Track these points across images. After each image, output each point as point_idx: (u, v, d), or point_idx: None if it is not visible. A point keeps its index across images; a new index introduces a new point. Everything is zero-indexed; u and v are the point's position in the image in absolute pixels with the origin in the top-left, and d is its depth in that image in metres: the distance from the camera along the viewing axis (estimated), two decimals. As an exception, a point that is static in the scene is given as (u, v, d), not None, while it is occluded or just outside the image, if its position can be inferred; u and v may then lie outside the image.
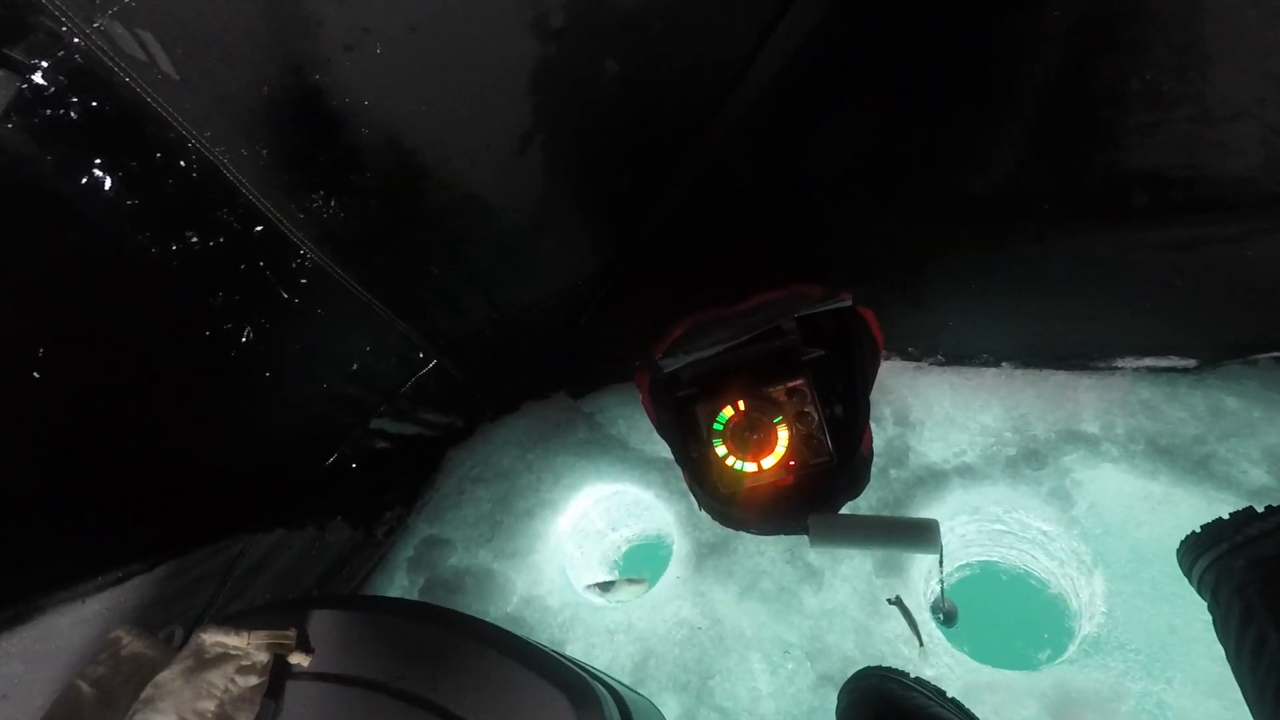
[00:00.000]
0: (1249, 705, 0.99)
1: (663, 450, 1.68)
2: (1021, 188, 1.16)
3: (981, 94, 1.13)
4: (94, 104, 0.87)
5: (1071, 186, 1.12)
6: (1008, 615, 1.64)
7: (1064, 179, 1.13)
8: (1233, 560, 1.10)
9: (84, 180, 0.92)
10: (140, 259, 1.03)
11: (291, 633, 0.95)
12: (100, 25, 0.82)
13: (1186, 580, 1.19)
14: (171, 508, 1.31)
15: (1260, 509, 1.10)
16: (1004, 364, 1.50)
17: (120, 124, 0.90)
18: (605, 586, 1.68)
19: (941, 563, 1.39)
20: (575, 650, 1.55)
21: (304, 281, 1.20)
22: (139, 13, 0.82)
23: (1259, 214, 1.04)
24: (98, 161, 0.92)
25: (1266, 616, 1.01)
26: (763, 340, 1.28)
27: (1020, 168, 1.15)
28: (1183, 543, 1.17)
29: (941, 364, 1.55)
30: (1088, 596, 1.39)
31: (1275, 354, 1.29)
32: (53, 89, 0.85)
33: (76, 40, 0.81)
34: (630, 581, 1.66)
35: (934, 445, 1.53)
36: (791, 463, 1.29)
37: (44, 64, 0.84)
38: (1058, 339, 1.42)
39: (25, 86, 0.84)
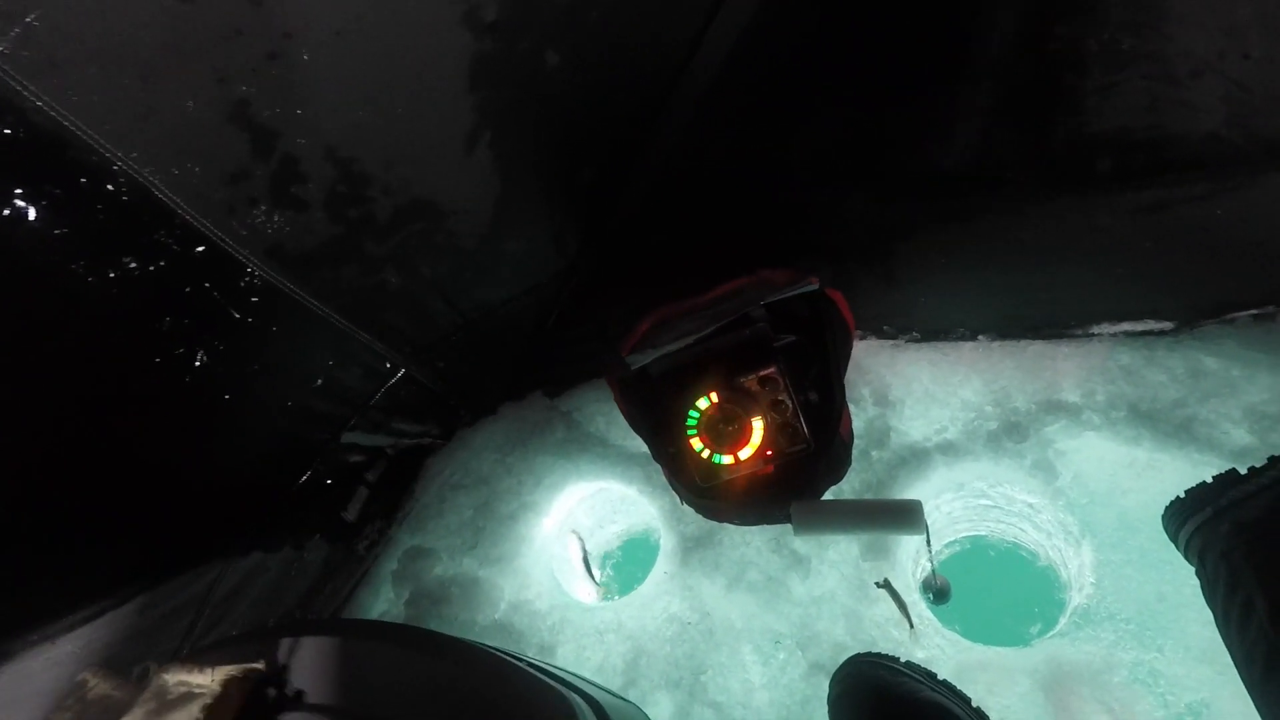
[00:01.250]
0: (1238, 669, 0.98)
1: (642, 445, 1.65)
2: (987, 159, 1.13)
3: (943, 65, 1.10)
4: (6, 130, 0.83)
5: (1037, 154, 1.10)
6: (999, 590, 1.63)
7: (1029, 147, 1.11)
8: (1218, 524, 1.08)
9: (5, 211, 0.88)
10: (77, 288, 0.99)
11: (260, 665, 0.92)
12: (4, 48, 0.77)
13: (1174, 546, 1.17)
14: (140, 539, 1.28)
15: (1243, 471, 1.08)
16: (981, 337, 1.48)
17: (37, 150, 0.86)
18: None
19: (929, 541, 1.37)
20: (566, 653, 1.53)
21: (255, 300, 1.17)
22: (42, 33, 0.78)
23: (1226, 172, 1.02)
24: (18, 191, 0.88)
25: (1253, 580, 0.99)
26: (732, 330, 1.25)
27: (985, 139, 1.12)
28: (1167, 509, 1.15)
29: (918, 340, 1.52)
30: (1076, 568, 1.38)
31: (1252, 311, 1.27)
32: (-41, 119, 0.81)
33: (-23, 67, 0.77)
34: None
35: (915, 423, 1.51)
36: (769, 452, 1.26)
37: (-55, 93, 0.80)
38: (1033, 309, 1.39)
39: (-72, 118, 0.80)
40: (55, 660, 1.16)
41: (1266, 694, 0.92)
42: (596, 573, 1.77)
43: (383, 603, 1.66)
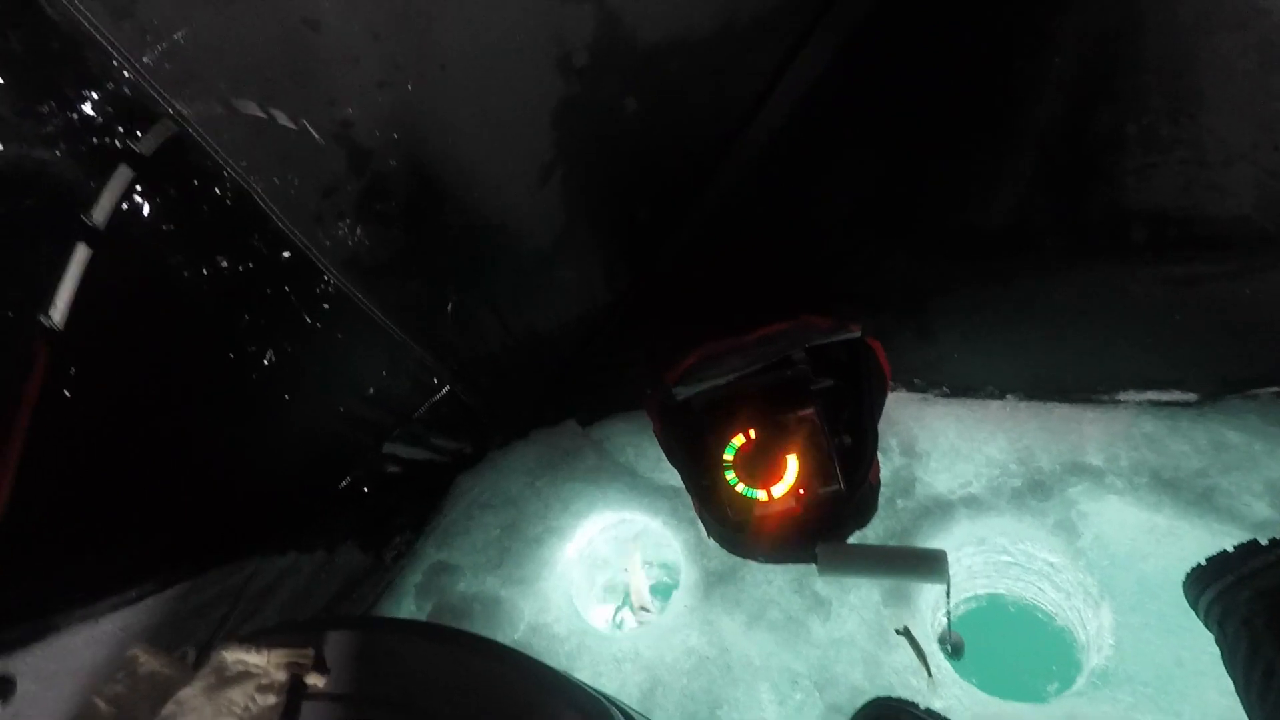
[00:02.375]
0: (1258, 736, 1.00)
1: (670, 478, 1.69)
2: (1025, 224, 1.20)
3: (987, 134, 1.17)
4: (138, 133, 0.91)
5: (1073, 223, 1.16)
6: (1015, 647, 1.64)
7: (1066, 216, 1.17)
8: (1238, 592, 1.11)
9: (124, 205, 0.95)
10: (173, 280, 1.06)
11: (309, 652, 0.96)
12: (148, 60, 0.86)
13: (1193, 612, 1.19)
14: (188, 528, 1.32)
15: (1264, 541, 1.11)
16: (1008, 396, 1.53)
17: (162, 153, 0.94)
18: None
19: (949, 593, 1.39)
20: (582, 678, 1.54)
21: (326, 306, 1.24)
22: (186, 49, 0.86)
23: (1255, 252, 1.08)
24: (138, 188, 0.96)
25: (1274, 647, 1.02)
26: (774, 369, 1.30)
27: (1024, 204, 1.19)
28: (1188, 575, 1.18)
29: (947, 396, 1.57)
30: (1095, 628, 1.39)
31: (1274, 389, 1.31)
32: (100, 119, 0.90)
33: (126, 74, 0.85)
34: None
35: (940, 476, 1.54)
36: (801, 491, 1.30)
37: (94, 95, 0.88)
38: (1061, 372, 1.44)
39: (75, 116, 0.89)
40: (96, 638, 1.20)
41: (1287, 759, 0.94)
42: (651, 603, 1.78)
43: (405, 614, 1.68)
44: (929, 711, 1.24)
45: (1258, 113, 0.99)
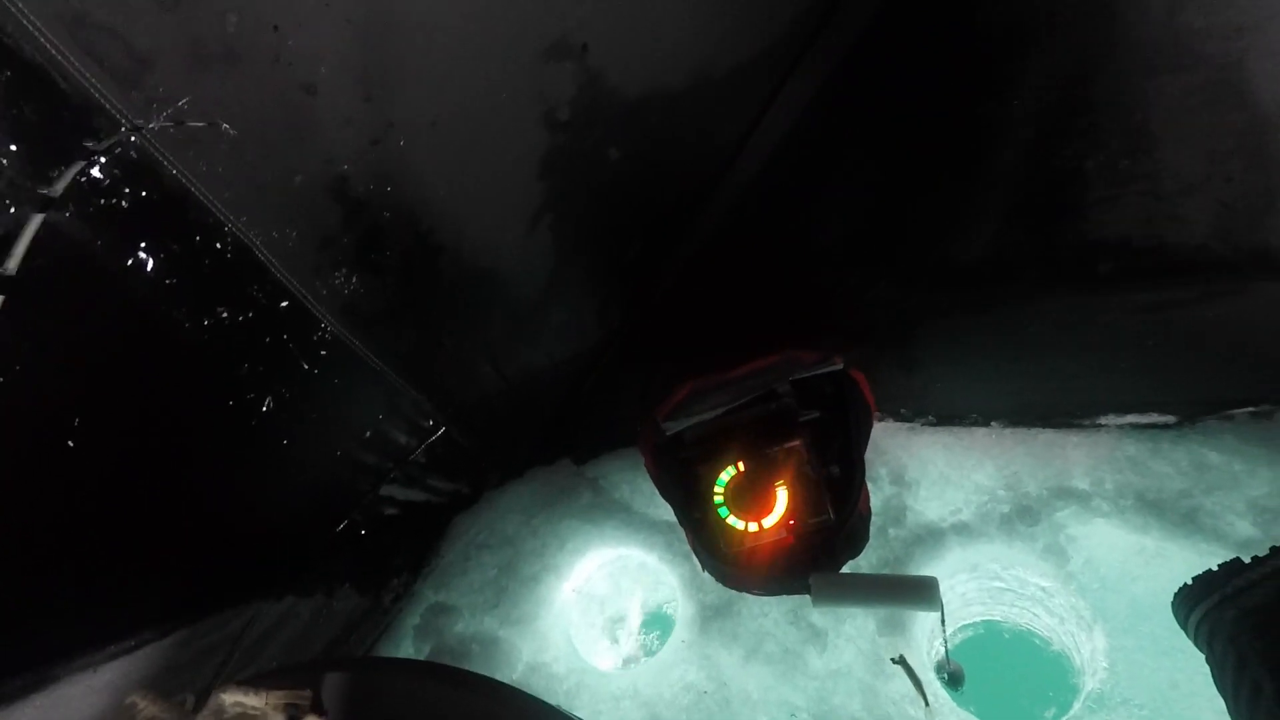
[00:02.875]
0: (1249, 755, 1.01)
1: (665, 514, 1.71)
2: (1001, 256, 1.24)
3: (961, 171, 1.23)
4: (143, 193, 0.96)
5: (1046, 254, 1.21)
6: (1013, 674, 1.64)
7: (1038, 247, 1.22)
8: (1224, 611, 1.12)
9: (129, 261, 0.99)
10: (175, 332, 1.10)
11: (307, 693, 0.97)
12: (154, 125, 0.91)
13: (1184, 634, 1.21)
14: (187, 575, 1.34)
15: (1247, 559, 1.13)
16: (993, 423, 1.56)
17: (165, 210, 0.98)
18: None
19: (944, 621, 1.40)
20: (582, 717, 1.54)
21: (324, 353, 1.27)
22: (190, 114, 0.91)
23: (1216, 279, 1.12)
24: (143, 244, 1.00)
25: (1260, 665, 1.03)
26: (761, 403, 1.33)
27: (999, 237, 1.24)
28: (1176, 596, 1.20)
29: (933, 424, 1.60)
30: (1089, 652, 1.40)
31: (1250, 409, 1.35)
32: (108, 181, 0.94)
33: (133, 139, 0.90)
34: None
35: (930, 504, 1.56)
36: (791, 521, 1.32)
37: (102, 159, 0.93)
38: (1044, 398, 1.48)
39: (84, 179, 0.93)
40: (94, 688, 1.20)
41: (1277, 775, 0.95)
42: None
43: (403, 656, 1.68)
44: (927, 740, 1.24)
45: (1207, 147, 1.05)
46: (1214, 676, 1.13)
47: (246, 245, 1.07)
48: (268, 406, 1.27)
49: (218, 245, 1.06)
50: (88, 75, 0.83)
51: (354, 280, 1.20)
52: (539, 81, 1.04)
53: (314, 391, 1.31)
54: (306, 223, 1.10)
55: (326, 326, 1.24)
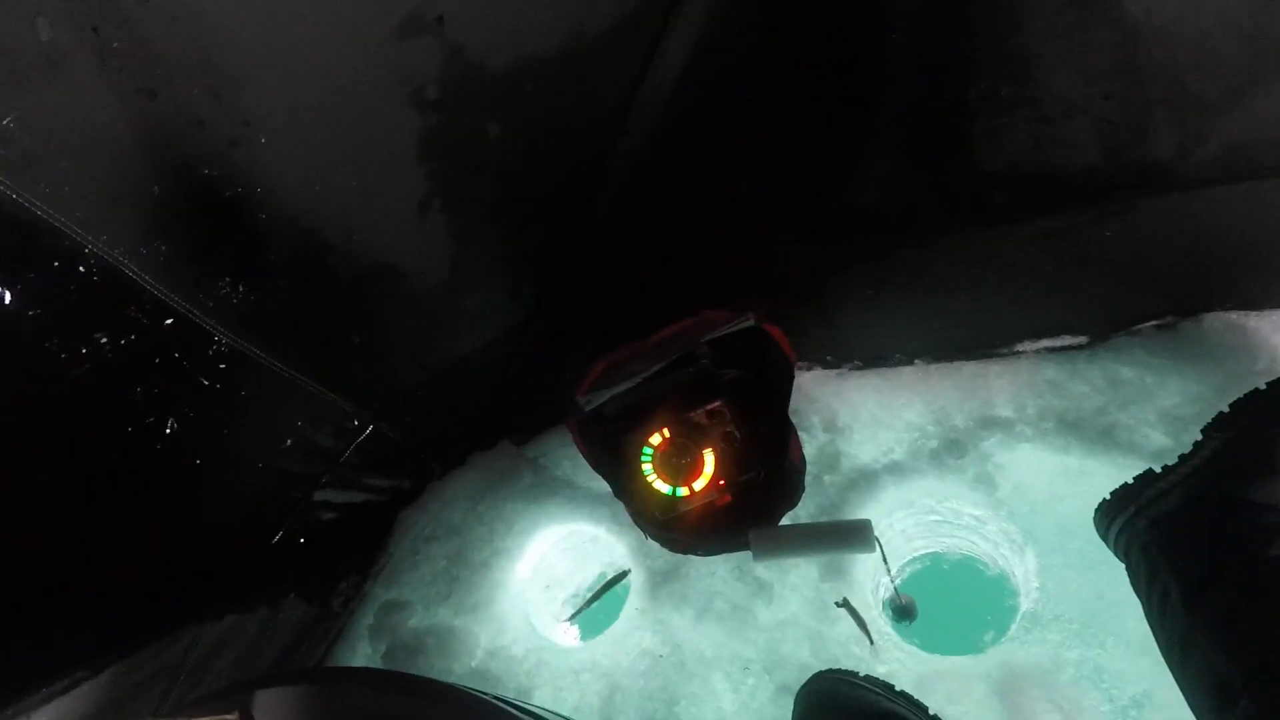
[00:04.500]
0: (1161, 654, 1.05)
1: (607, 486, 1.71)
2: (897, 198, 1.24)
3: (849, 116, 1.21)
4: (-16, 224, 0.90)
5: (940, 192, 1.21)
6: (957, 602, 1.69)
7: (933, 185, 1.22)
8: (1137, 521, 1.16)
9: (-17, 297, 0.94)
10: (50, 365, 1.04)
11: (233, 715, 0.95)
12: (-23, 148, 0.85)
13: (1106, 547, 1.25)
14: (114, 607, 1.30)
15: (1159, 469, 1.17)
16: (918, 361, 1.57)
17: (12, 238, 0.92)
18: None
19: (885, 559, 1.43)
20: (542, 696, 1.55)
21: (223, 367, 1.22)
22: (17, 133, 0.85)
23: (1108, 199, 1.13)
24: (-7, 277, 0.94)
25: (1167, 569, 1.07)
26: (679, 368, 1.33)
27: (894, 180, 1.23)
28: (1096, 511, 1.24)
29: (860, 368, 1.61)
30: (1023, 574, 1.45)
31: (1155, 322, 1.37)
32: (-60, 216, 0.88)
33: (-44, 166, 0.84)
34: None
35: (864, 447, 1.58)
36: (722, 482, 1.33)
37: (-74, 192, 0.87)
38: (961, 332, 1.49)
39: (-89, 215, 0.87)
40: (30, 734, 1.17)
41: (1185, 673, 0.99)
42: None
43: (359, 658, 1.67)
44: (868, 677, 1.27)
45: (1084, 66, 1.04)
46: (1132, 584, 1.18)
47: (113, 265, 1.01)
48: (171, 428, 1.22)
49: (80, 269, 1.00)
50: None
51: (240, 288, 1.15)
52: (398, 61, 0.99)
53: (220, 407, 1.26)
54: (176, 234, 1.04)
55: (220, 339, 1.19)
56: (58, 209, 0.93)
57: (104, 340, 1.08)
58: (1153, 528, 1.13)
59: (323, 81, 0.97)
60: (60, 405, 1.09)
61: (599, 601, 1.78)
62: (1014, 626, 1.40)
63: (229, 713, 0.96)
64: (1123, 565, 1.20)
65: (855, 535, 1.37)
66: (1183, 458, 1.15)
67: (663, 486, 1.32)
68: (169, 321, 1.12)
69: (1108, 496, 1.22)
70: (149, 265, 1.04)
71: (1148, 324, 1.38)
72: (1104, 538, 1.25)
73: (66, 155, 0.90)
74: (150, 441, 1.20)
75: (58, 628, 1.22)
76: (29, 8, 0.79)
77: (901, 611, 1.55)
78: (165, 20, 0.84)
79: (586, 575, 2.01)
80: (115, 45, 0.84)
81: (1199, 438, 1.14)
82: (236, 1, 0.86)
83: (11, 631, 1.15)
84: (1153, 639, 1.10)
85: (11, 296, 0.97)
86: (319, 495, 1.58)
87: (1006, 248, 1.24)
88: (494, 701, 1.05)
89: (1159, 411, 1.36)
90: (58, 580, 1.19)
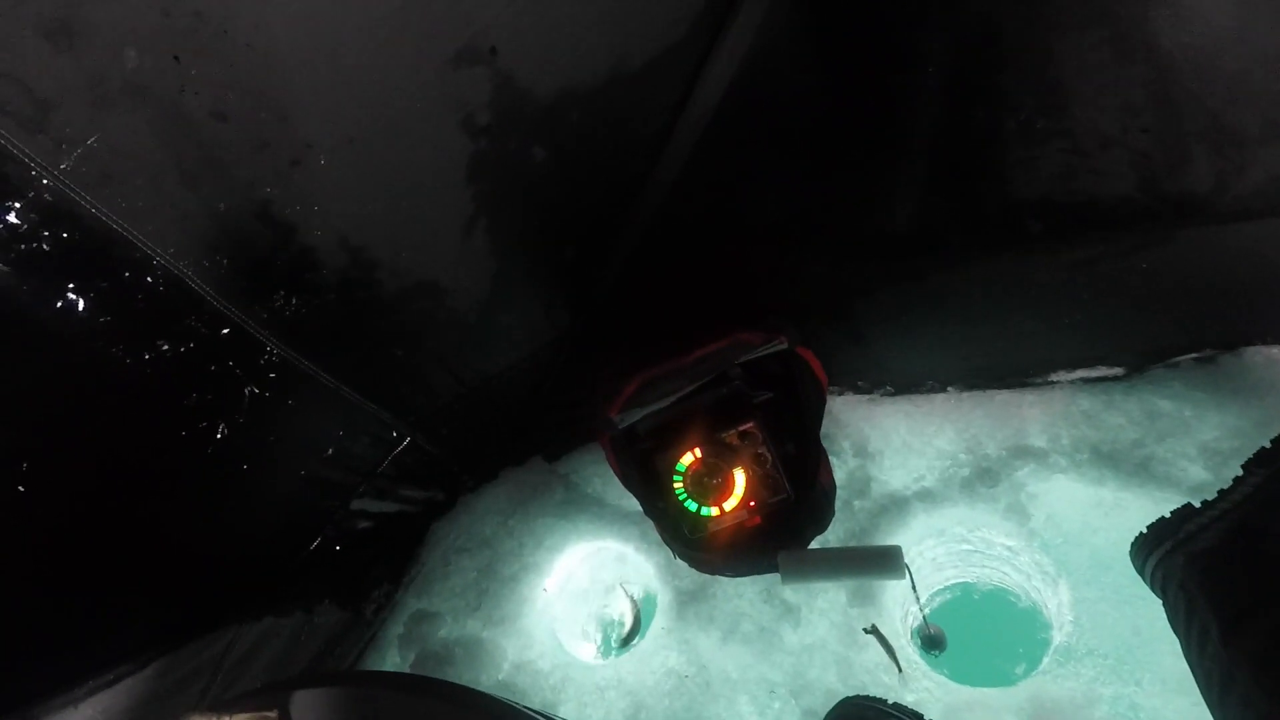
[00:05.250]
0: (1201, 693, 1.03)
1: (637, 504, 1.72)
2: (928, 224, 1.25)
3: (882, 143, 1.23)
4: (64, 235, 0.96)
5: (971, 219, 1.22)
6: (987, 632, 1.66)
7: (965, 212, 1.23)
8: (1175, 557, 1.14)
9: (59, 304, 1.00)
10: (115, 370, 1.10)
11: (273, 713, 0.98)
12: (66, 166, 0.91)
13: (1142, 581, 1.23)
14: (159, 605, 1.35)
15: (1197, 504, 1.15)
16: (950, 388, 1.57)
17: (90, 250, 0.98)
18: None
19: (914, 587, 1.42)
20: (567, 711, 1.56)
21: (273, 376, 1.28)
22: (100, 153, 0.92)
23: (1142, 229, 1.13)
24: (71, 285, 1.00)
25: (1206, 606, 1.05)
26: (712, 388, 1.35)
27: (925, 206, 1.25)
28: (1133, 545, 1.22)
29: (892, 394, 1.62)
30: (1055, 606, 1.42)
31: (1193, 355, 1.36)
32: (25, 226, 0.94)
33: (46, 181, 0.90)
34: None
35: (894, 473, 1.58)
36: (752, 503, 1.34)
37: (16, 205, 0.93)
38: (995, 360, 1.49)
39: (2, 226, 0.94)
40: (75, 725, 1.22)
41: (1224, 712, 0.97)
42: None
43: (389, 665, 1.70)
44: (897, 705, 1.26)
45: (1120, 100, 1.05)
46: (1169, 620, 1.15)
47: (178, 277, 1.07)
48: (222, 434, 1.28)
49: (148, 279, 1.06)
50: (-9, 125, 0.84)
51: (293, 302, 1.21)
52: (452, 88, 1.04)
53: (268, 415, 1.32)
54: (237, 249, 1.10)
55: (272, 350, 1.24)
56: (132, 223, 0.99)
57: (165, 347, 1.14)
58: (1191, 563, 1.11)
59: (381, 107, 1.02)
60: (119, 408, 1.15)
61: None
62: (1046, 660, 1.37)
63: (270, 710, 0.99)
64: (1159, 601, 1.18)
65: (885, 561, 1.36)
66: (1222, 493, 1.13)
67: (693, 506, 1.34)
68: (225, 331, 1.18)
69: (1144, 530, 1.20)
70: (210, 277, 1.10)
71: (1186, 357, 1.37)
72: (1140, 572, 1.23)
73: (142, 174, 0.97)
74: (201, 446, 1.26)
75: (105, 623, 1.27)
76: (119, 36, 0.85)
77: (930, 641, 1.54)
78: (240, 49, 0.91)
79: (609, 591, 2.02)
80: (194, 73, 0.91)
81: (1239, 473, 1.12)
82: (305, 33, 0.92)
83: (61, 625, 1.20)
84: (1190, 677, 1.08)
85: (85, 304, 1.03)
86: (356, 504, 1.63)
87: (1041, 275, 1.24)
88: (526, 711, 1.06)
89: (1198, 445, 1.34)
90: (109, 577, 1.24)
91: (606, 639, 1.90)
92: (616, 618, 1.92)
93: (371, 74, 0.99)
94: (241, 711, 0.97)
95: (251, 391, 1.27)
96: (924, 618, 1.53)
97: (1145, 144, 1.07)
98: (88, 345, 1.05)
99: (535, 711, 1.10)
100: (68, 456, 1.12)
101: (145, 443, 1.20)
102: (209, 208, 1.03)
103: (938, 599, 1.75)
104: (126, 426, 1.16)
